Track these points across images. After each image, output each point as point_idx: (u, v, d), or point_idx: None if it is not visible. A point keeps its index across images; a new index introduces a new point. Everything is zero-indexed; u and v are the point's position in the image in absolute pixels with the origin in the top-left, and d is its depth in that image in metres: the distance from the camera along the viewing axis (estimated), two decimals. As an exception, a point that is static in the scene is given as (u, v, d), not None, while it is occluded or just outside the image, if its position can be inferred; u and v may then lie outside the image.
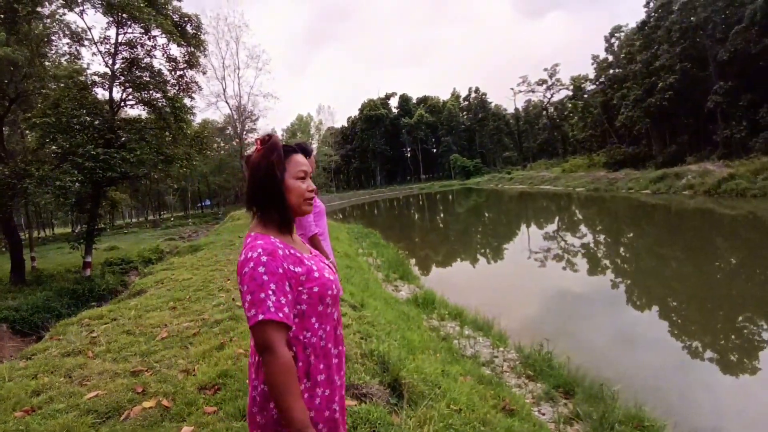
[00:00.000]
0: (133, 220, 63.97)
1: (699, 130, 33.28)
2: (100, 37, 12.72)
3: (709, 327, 6.49)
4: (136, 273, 13.79)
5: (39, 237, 34.07)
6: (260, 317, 1.09)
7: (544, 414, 3.78)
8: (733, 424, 4.09)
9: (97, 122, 12.11)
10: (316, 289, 1.23)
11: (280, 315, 1.10)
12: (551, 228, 18.58)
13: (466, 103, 77.78)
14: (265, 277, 1.12)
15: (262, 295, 1.10)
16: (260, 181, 1.24)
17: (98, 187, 12.44)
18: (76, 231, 14.72)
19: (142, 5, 11.47)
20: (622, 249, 13.02)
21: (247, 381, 1.32)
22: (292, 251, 1.23)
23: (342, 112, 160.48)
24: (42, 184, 10.27)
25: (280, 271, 1.15)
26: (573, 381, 4.34)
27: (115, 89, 12.77)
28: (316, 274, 1.25)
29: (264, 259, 1.14)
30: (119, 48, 12.72)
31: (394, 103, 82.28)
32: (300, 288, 1.20)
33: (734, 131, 28.11)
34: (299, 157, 1.32)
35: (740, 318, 6.67)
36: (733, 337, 6.07)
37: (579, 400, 3.98)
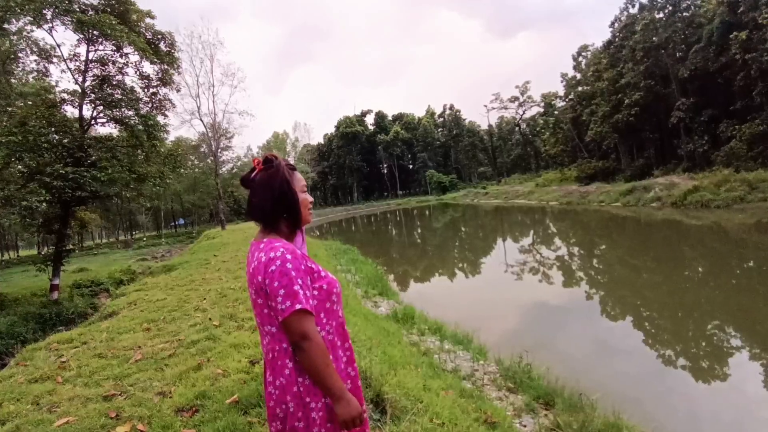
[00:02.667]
0: (104, 240, 62.07)
1: (664, 144, 34.72)
2: (69, 54, 12.47)
3: (680, 334, 6.68)
4: (107, 295, 13.32)
5: (2, 260, 32.61)
6: (297, 306, 1.23)
7: (525, 426, 3.80)
8: (707, 428, 4.20)
9: (66, 140, 11.78)
10: (324, 287, 1.38)
11: (310, 304, 1.28)
12: (527, 241, 18.91)
13: (441, 119, 79.10)
14: (293, 273, 1.27)
15: (296, 287, 1.25)
16: (279, 194, 1.39)
17: (67, 207, 12.06)
18: (43, 253, 14.19)
19: (114, 22, 11.34)
20: (595, 260, 13.34)
21: (267, 388, 1.37)
22: (301, 253, 1.38)
23: (318, 129, 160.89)
24: (7, 205, 9.91)
25: (303, 267, 1.31)
26: (553, 392, 4.38)
27: (85, 107, 12.49)
28: (323, 273, 1.40)
29: (289, 256, 1.29)
30: (90, 65, 12.49)
31: (370, 120, 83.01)
32: (312, 285, 1.35)
33: (697, 145, 29.44)
34: (299, 174, 1.51)
35: (709, 325, 6.90)
36: (703, 343, 6.27)
37: (559, 410, 4.02)
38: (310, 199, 1.52)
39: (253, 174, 1.44)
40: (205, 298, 6.79)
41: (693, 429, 4.20)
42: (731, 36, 25.32)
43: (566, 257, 14.17)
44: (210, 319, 5.27)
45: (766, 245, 12.27)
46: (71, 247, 15.93)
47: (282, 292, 1.24)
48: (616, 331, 7.10)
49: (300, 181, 1.48)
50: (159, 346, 4.40)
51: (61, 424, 2.82)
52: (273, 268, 1.26)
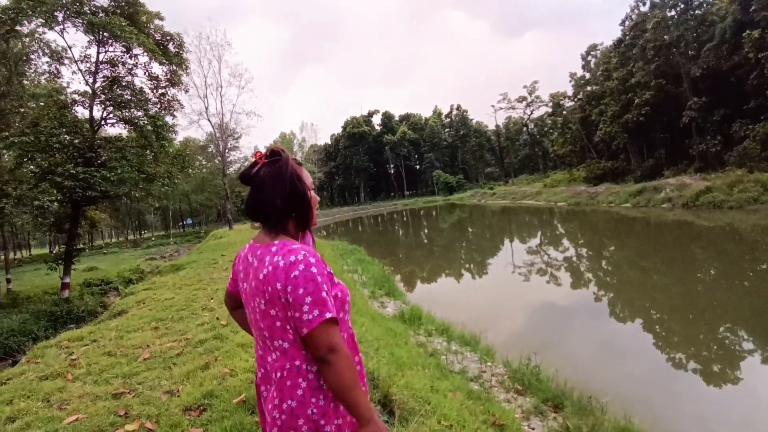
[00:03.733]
0: (113, 239, 62.70)
1: (675, 144, 34.31)
2: (80, 56, 12.62)
3: (691, 337, 6.59)
4: (116, 293, 13.45)
5: (15, 258, 33.06)
6: (327, 315, 1.11)
7: (534, 428, 3.77)
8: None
9: (77, 141, 11.93)
10: (339, 295, 1.25)
11: (335, 314, 1.13)
12: (534, 242, 18.79)
13: (448, 120, 78.91)
14: (319, 278, 1.13)
15: (323, 294, 1.13)
16: (291, 190, 1.25)
17: (77, 207, 12.20)
18: (54, 252, 14.35)
19: (123, 24, 11.45)
20: (604, 262, 13.21)
21: (270, 413, 1.20)
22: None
23: (325, 130, 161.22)
24: (19, 204, 10.04)
25: (326, 273, 1.18)
26: (562, 394, 4.34)
27: (95, 108, 12.63)
28: (337, 280, 1.27)
29: (312, 260, 1.15)
30: (100, 66, 12.63)
31: (376, 120, 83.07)
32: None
33: (709, 145, 29.07)
34: (306, 170, 1.35)
35: (721, 328, 6.80)
36: (715, 347, 6.17)
37: (568, 413, 3.98)
38: (317, 198, 1.38)
39: (255, 169, 1.27)
40: (212, 298, 6.82)
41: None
42: (744, 34, 24.97)
43: (574, 258, 14.06)
44: (217, 318, 5.30)
45: (780, 247, 12.08)
46: (82, 246, 16.10)
47: (309, 299, 1.10)
48: (625, 333, 7.02)
49: (308, 177, 1.34)
50: (167, 345, 4.42)
51: (71, 422, 2.84)
52: (296, 273, 1.12)
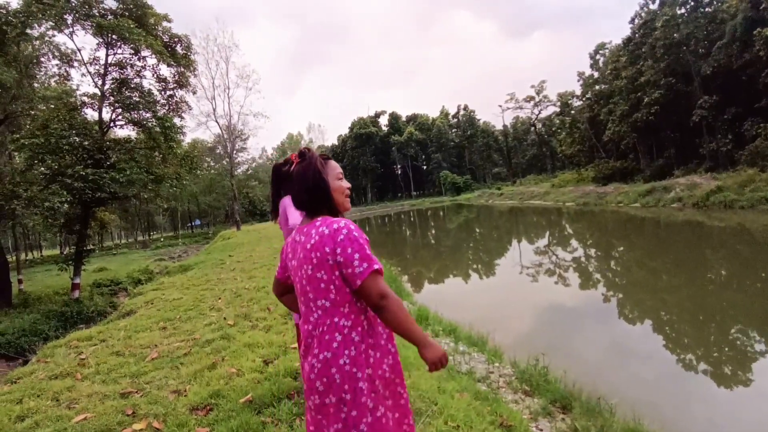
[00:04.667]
0: (123, 240, 63.29)
1: (685, 143, 33.93)
2: (89, 58, 12.76)
3: (702, 339, 6.50)
4: (126, 294, 13.57)
5: (26, 259, 33.48)
6: (375, 266, 1.35)
7: (542, 429, 3.73)
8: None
9: (86, 143, 12.05)
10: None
11: (380, 266, 1.39)
12: (542, 242, 18.67)
13: (455, 120, 78.72)
14: (361, 240, 1.38)
15: (367, 251, 1.37)
16: (313, 185, 1.49)
17: (87, 208, 12.32)
18: (65, 252, 14.51)
19: (132, 26, 11.56)
20: (613, 262, 13.10)
21: (310, 361, 1.42)
22: None
23: (332, 131, 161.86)
24: (30, 206, 10.15)
25: (365, 238, 1.41)
26: (570, 395, 4.29)
27: (104, 110, 12.76)
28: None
29: (352, 227, 1.41)
30: (109, 69, 12.76)
31: (383, 121, 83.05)
32: None
33: (720, 144, 28.72)
34: (333, 162, 1.61)
35: (733, 330, 6.70)
36: (726, 348, 6.08)
37: (577, 414, 3.94)
38: (347, 185, 1.61)
39: (290, 167, 1.59)
40: (220, 298, 6.85)
41: (716, 435, 4.08)
42: (755, 32, 24.63)
43: (583, 259, 13.94)
44: (225, 318, 5.32)
45: (793, 247, 11.89)
46: (92, 247, 16.27)
47: (357, 256, 1.34)
48: (634, 335, 6.94)
49: (335, 168, 1.58)
50: (175, 345, 4.44)
51: (79, 421, 2.86)
52: (341, 237, 1.36)
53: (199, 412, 2.90)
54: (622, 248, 15.00)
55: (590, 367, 5.49)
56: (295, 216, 3.02)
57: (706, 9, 31.37)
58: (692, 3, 31.69)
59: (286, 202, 2.86)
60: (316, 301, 1.41)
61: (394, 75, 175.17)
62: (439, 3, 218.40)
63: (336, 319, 1.39)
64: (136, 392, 3.30)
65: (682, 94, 32.45)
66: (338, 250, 1.35)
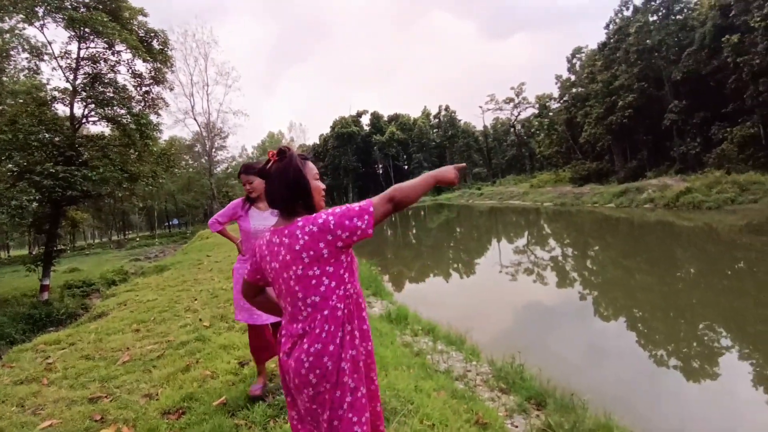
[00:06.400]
0: (96, 240, 61.57)
1: (657, 146, 34.92)
2: (60, 52, 12.34)
3: (672, 335, 6.70)
4: (98, 295, 13.19)
5: (-8, 260, 32.22)
6: (371, 209, 1.46)
7: (517, 426, 3.78)
8: (698, 428, 4.21)
9: (57, 139, 11.66)
10: (349, 259, 1.52)
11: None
12: (521, 242, 18.95)
13: (436, 120, 79.14)
14: (344, 208, 1.45)
15: (356, 208, 1.45)
16: (293, 182, 1.51)
17: (58, 207, 11.93)
18: (34, 252, 14.02)
19: (105, 20, 11.24)
20: (588, 261, 13.38)
21: (299, 357, 1.45)
22: None
23: (313, 130, 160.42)
24: (-4, 204, 9.78)
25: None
26: (545, 392, 4.37)
27: (76, 105, 12.37)
28: None
29: (330, 209, 1.46)
30: (81, 63, 12.37)
31: (365, 120, 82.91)
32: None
33: (689, 147, 29.66)
34: (311, 163, 1.63)
35: (701, 326, 6.93)
36: (695, 344, 6.29)
37: (551, 411, 4.01)
38: (323, 186, 1.65)
39: (270, 165, 1.55)
40: (196, 299, 6.73)
41: (683, 429, 4.20)
42: (723, 39, 25.52)
43: (560, 258, 14.21)
44: (200, 319, 5.23)
45: (757, 247, 12.36)
46: (62, 247, 15.78)
47: (355, 220, 1.42)
48: (608, 332, 7.11)
49: (312, 169, 1.61)
50: (147, 348, 4.35)
51: (45, 427, 2.77)
52: (331, 218, 1.42)
53: (171, 416, 2.84)
54: (597, 248, 15.33)
55: (565, 363, 5.60)
56: (261, 218, 2.97)
57: (677, 16, 32.37)
58: (664, 10, 32.65)
59: (242, 203, 3.01)
60: (306, 300, 1.44)
61: (375, 74, 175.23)
62: (419, 2, 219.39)
63: (326, 312, 1.44)
64: (106, 397, 3.21)
65: (654, 99, 33.40)
66: (339, 233, 1.41)
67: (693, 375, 5.39)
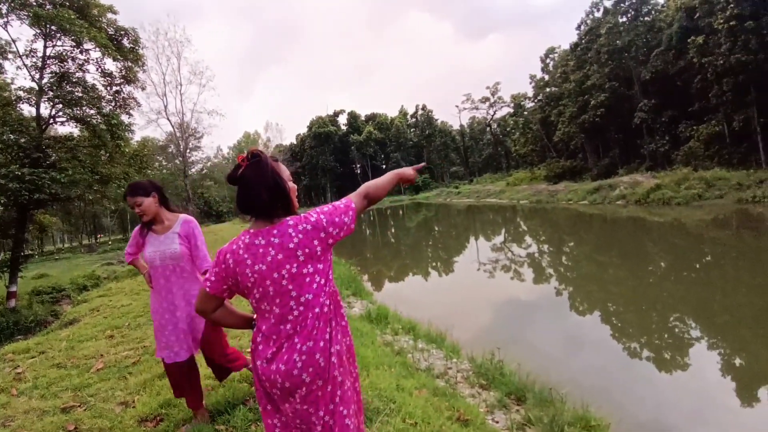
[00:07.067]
0: (66, 244, 59.59)
1: (628, 144, 35.91)
2: (25, 50, 11.86)
3: (645, 327, 6.91)
4: (69, 301, 12.77)
5: (-46, 267, 30.83)
6: (352, 204, 1.59)
7: (497, 422, 3.84)
8: (671, 415, 4.36)
9: (22, 140, 11.22)
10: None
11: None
12: (498, 239, 19.21)
13: (414, 119, 79.46)
14: (331, 206, 1.55)
15: (341, 205, 1.57)
16: (273, 185, 1.48)
17: (24, 211, 11.48)
18: (-1, 258, 13.45)
19: (72, 17, 10.87)
20: (564, 257, 13.66)
21: (291, 357, 1.45)
22: None
23: (290, 130, 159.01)
24: (-43, 208, 9.36)
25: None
26: (524, 387, 4.44)
27: (43, 105, 11.92)
28: None
29: (318, 209, 1.53)
30: (47, 61, 11.93)
31: (342, 120, 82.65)
32: None
33: (658, 145, 30.61)
34: (282, 164, 1.63)
35: (671, 317, 7.16)
36: (666, 335, 6.50)
37: (530, 405, 4.08)
38: (295, 186, 1.66)
39: (240, 171, 1.48)
40: (172, 303, 6.58)
41: (658, 416, 4.34)
42: (689, 40, 26.41)
43: (536, 255, 14.46)
44: (177, 324, 5.11)
45: (723, 240, 12.85)
46: (30, 252, 15.21)
47: (342, 215, 1.52)
48: (584, 325, 7.28)
49: (285, 170, 1.61)
50: (122, 354, 4.24)
51: (15, 439, 2.67)
52: (324, 219, 1.48)
53: (148, 423, 2.78)
54: (572, 244, 15.66)
55: (544, 357, 5.71)
56: (156, 244, 2.64)
57: (646, 18, 33.34)
58: (633, 12, 33.57)
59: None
60: (299, 298, 1.44)
61: (352, 74, 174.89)
62: (395, 3, 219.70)
63: (316, 310, 1.45)
64: (79, 406, 3.11)
65: (625, 98, 34.35)
66: (331, 230, 1.48)
67: (665, 363, 5.57)
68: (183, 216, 2.71)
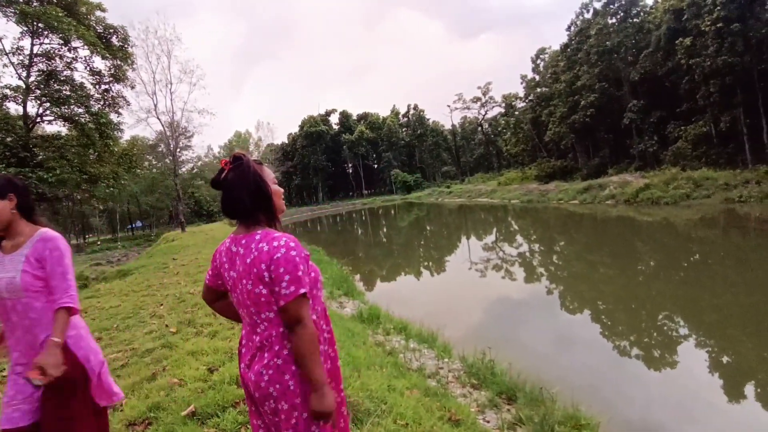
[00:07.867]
0: (53, 245, 58.66)
1: (618, 144, 36.26)
2: (12, 48, 11.74)
3: (635, 326, 6.98)
4: (56, 303, 12.59)
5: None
6: (301, 291, 1.33)
7: (489, 421, 3.85)
8: (660, 413, 4.40)
9: (9, 139, 11.09)
10: (313, 275, 1.48)
11: (308, 290, 1.37)
12: (490, 239, 19.29)
13: (406, 119, 79.54)
14: (297, 260, 1.36)
15: (299, 273, 1.35)
16: (255, 189, 1.45)
17: (10, 211, 11.33)
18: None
19: (60, 14, 10.75)
20: (555, 257, 13.75)
21: (257, 371, 1.42)
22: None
23: (282, 129, 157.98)
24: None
25: (303, 255, 1.39)
26: (515, 387, 4.46)
27: (30, 103, 11.80)
28: (311, 263, 1.49)
29: (292, 245, 1.38)
30: (34, 59, 11.80)
31: (334, 119, 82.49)
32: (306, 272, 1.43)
33: (647, 145, 30.95)
34: (267, 168, 1.58)
35: (660, 316, 7.24)
36: (655, 333, 6.57)
37: (521, 404, 4.10)
38: (281, 189, 1.60)
39: (223, 174, 1.47)
40: (162, 304, 6.53)
41: (647, 414, 4.39)
42: (677, 42, 26.73)
43: (527, 254, 14.55)
44: (167, 325, 5.08)
45: (710, 239, 13.03)
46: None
47: (287, 277, 1.33)
48: (574, 324, 7.33)
49: (270, 174, 1.57)
50: (111, 356, 4.19)
51: (0, 445, 2.62)
52: (278, 255, 1.34)
53: (136, 427, 2.75)
54: (562, 243, 15.78)
55: (535, 357, 5.74)
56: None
57: (635, 19, 33.68)
58: (622, 13, 33.91)
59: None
60: (260, 315, 1.40)
61: (344, 74, 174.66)
62: (389, 3, 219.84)
63: (281, 330, 1.39)
64: (67, 409, 3.07)
65: (614, 98, 34.70)
66: (272, 268, 1.34)
67: (654, 362, 5.63)
68: (42, 231, 1.87)
